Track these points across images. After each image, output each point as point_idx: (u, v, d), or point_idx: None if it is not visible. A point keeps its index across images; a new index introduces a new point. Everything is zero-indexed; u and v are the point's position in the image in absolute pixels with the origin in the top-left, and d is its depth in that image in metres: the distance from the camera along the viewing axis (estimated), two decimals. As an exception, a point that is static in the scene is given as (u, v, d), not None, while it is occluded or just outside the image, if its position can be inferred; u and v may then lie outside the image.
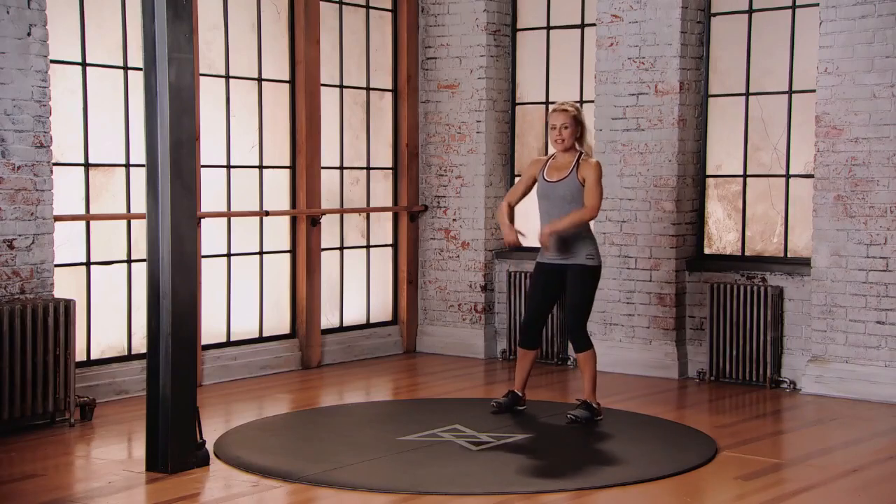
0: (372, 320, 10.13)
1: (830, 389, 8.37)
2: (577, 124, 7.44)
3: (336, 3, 9.74)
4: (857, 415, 7.82)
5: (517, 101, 10.17)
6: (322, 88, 9.46)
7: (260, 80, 9.12)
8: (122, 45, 8.11)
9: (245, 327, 9.09)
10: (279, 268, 9.33)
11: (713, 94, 9.19)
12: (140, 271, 8.06)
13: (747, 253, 9.04)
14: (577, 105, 7.54)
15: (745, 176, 9.05)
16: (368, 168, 10.05)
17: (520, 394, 7.71)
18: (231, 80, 8.91)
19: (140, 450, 6.53)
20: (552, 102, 9.91)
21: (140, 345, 8.14)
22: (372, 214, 10.09)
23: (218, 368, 8.75)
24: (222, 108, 8.87)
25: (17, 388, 7.02)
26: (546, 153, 10.02)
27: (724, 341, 8.84)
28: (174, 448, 6.18)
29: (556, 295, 7.63)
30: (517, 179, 7.77)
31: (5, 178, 7.21)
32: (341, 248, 9.85)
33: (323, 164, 9.51)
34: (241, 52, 9.00)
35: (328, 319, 9.70)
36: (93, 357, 8.00)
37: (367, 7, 9.99)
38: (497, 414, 7.57)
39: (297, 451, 6.72)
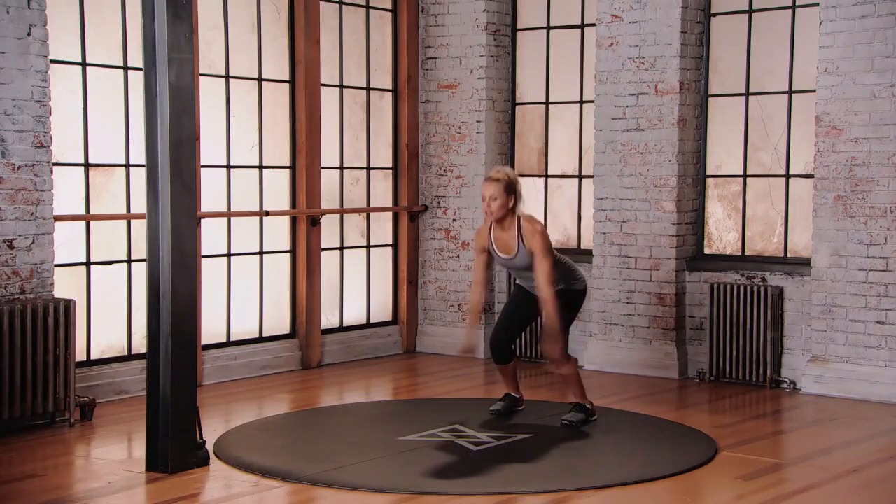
0: (372, 320, 10.13)
1: (830, 389, 8.37)
2: (509, 193, 7.08)
3: (336, 3, 9.74)
4: (857, 415, 7.82)
5: (517, 101, 10.17)
6: (322, 88, 9.46)
7: (260, 80, 9.12)
8: (122, 45, 8.11)
9: (245, 327, 9.09)
10: (279, 268, 9.33)
11: (713, 94, 9.19)
12: (140, 271, 8.06)
13: (747, 253, 9.04)
14: (510, 172, 7.16)
15: (745, 176, 9.05)
16: (368, 168, 10.05)
17: (516, 395, 7.68)
18: (231, 80, 8.91)
19: (140, 450, 6.53)
20: (552, 102, 9.94)
21: (140, 345, 8.14)
22: (372, 214, 10.09)
23: (218, 368, 8.75)
24: (222, 108, 8.87)
25: (17, 388, 7.02)
26: (546, 155, 10.03)
27: (724, 341, 8.84)
28: (174, 448, 6.18)
29: (529, 317, 7.54)
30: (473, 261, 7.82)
31: (5, 178, 7.21)
32: (341, 248, 9.85)
33: (323, 164, 9.51)
34: (241, 52, 9.00)
35: (328, 319, 9.70)
36: (93, 357, 8.00)
37: (367, 7, 10.00)
38: (496, 415, 7.56)
39: (297, 451, 6.72)
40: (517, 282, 7.55)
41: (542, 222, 7.85)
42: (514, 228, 7.15)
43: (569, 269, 7.36)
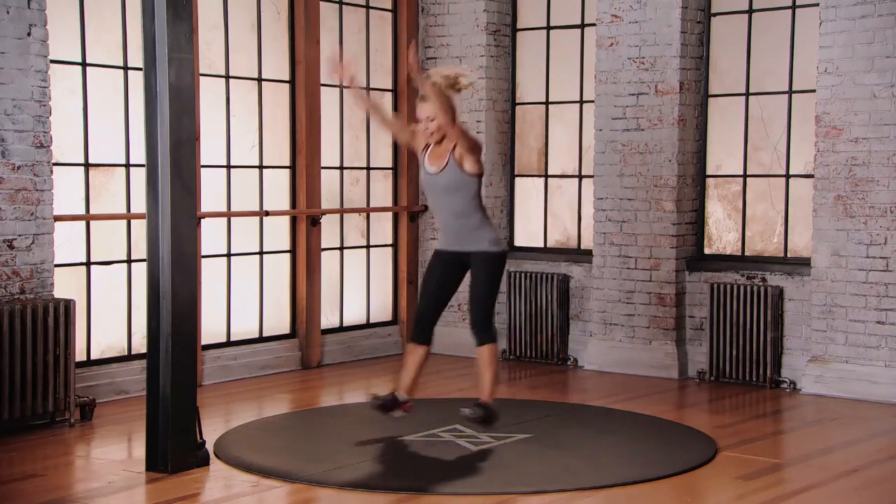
0: (372, 320, 10.12)
1: (830, 389, 8.37)
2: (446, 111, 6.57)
3: (336, 3, 9.74)
4: (857, 415, 7.82)
5: (517, 101, 10.17)
6: (322, 88, 9.46)
7: (260, 80, 9.12)
8: (122, 45, 8.11)
9: (245, 327, 9.09)
10: (279, 268, 9.33)
11: (713, 94, 9.19)
12: (140, 271, 8.05)
13: (747, 253, 9.04)
14: (440, 81, 6.57)
15: (745, 176, 9.05)
16: (368, 168, 10.05)
17: (401, 398, 6.84)
18: (231, 80, 8.91)
19: (140, 450, 6.52)
20: (552, 102, 9.94)
21: (140, 345, 8.14)
22: (372, 214, 10.09)
23: (218, 368, 8.75)
24: (222, 108, 8.87)
25: (17, 388, 7.02)
26: (546, 155, 10.03)
27: (724, 341, 8.84)
28: (174, 448, 6.18)
29: (453, 286, 6.87)
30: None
31: (5, 178, 7.21)
32: (341, 248, 9.85)
33: (323, 164, 9.50)
34: (241, 52, 8.99)
35: (328, 319, 9.70)
36: (93, 357, 8.00)
37: (367, 7, 9.99)
38: (376, 409, 6.82)
39: (297, 451, 6.71)
40: (437, 217, 6.91)
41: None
42: (451, 144, 6.62)
43: (493, 226, 6.84)
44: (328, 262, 9.69)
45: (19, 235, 7.29)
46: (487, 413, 6.66)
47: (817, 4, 8.49)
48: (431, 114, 6.59)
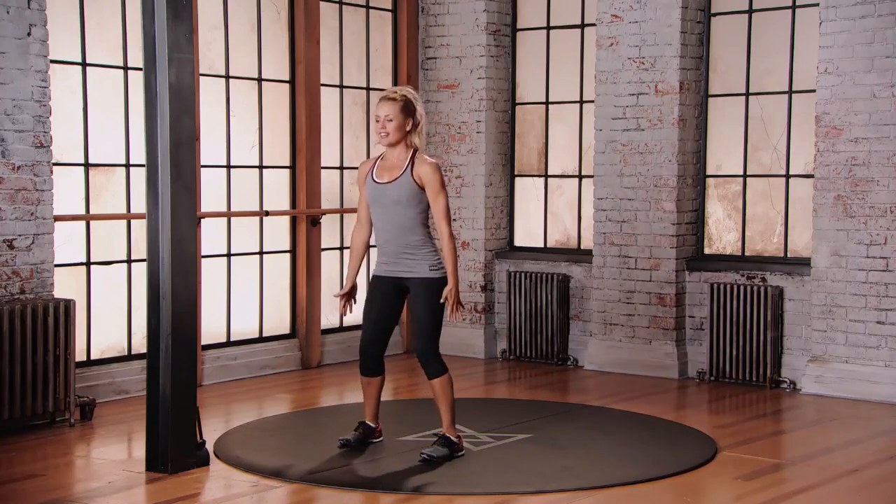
0: (372, 320, 10.11)
1: (830, 389, 8.37)
2: (406, 115, 6.43)
3: (336, 3, 9.74)
4: (857, 415, 7.82)
5: (517, 101, 10.17)
6: (322, 88, 9.46)
7: (260, 80, 9.12)
8: (122, 45, 8.11)
9: (245, 327, 9.09)
10: (279, 268, 9.33)
11: (713, 94, 9.19)
12: (140, 271, 8.05)
13: (747, 253, 9.04)
14: (410, 92, 6.50)
15: (745, 176, 9.05)
16: (368, 168, 10.04)
17: (372, 425, 6.75)
18: (231, 80, 8.91)
19: (140, 450, 6.53)
20: (552, 102, 9.94)
21: (140, 345, 8.14)
22: (372, 214, 10.08)
23: (218, 368, 8.75)
24: (222, 108, 8.87)
25: (17, 388, 7.02)
26: (546, 155, 10.03)
27: (724, 341, 8.84)
28: (174, 448, 6.18)
29: (394, 312, 6.58)
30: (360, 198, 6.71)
31: (5, 178, 7.21)
32: (341, 248, 9.84)
33: (323, 164, 9.50)
34: (241, 52, 9.00)
35: (328, 319, 9.70)
36: (93, 357, 8.00)
37: (367, 7, 9.99)
38: (344, 448, 6.65)
39: (297, 451, 6.71)
40: (377, 232, 6.55)
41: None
42: (406, 158, 6.44)
43: (435, 248, 6.49)
44: (328, 262, 9.69)
45: (19, 235, 7.29)
46: (450, 446, 6.46)
47: (817, 4, 8.49)
48: (391, 114, 6.40)
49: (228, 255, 8.95)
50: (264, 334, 9.22)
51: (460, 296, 6.60)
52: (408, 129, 6.45)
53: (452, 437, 6.49)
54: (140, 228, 8.06)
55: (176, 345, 6.19)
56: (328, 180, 9.64)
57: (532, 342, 9.72)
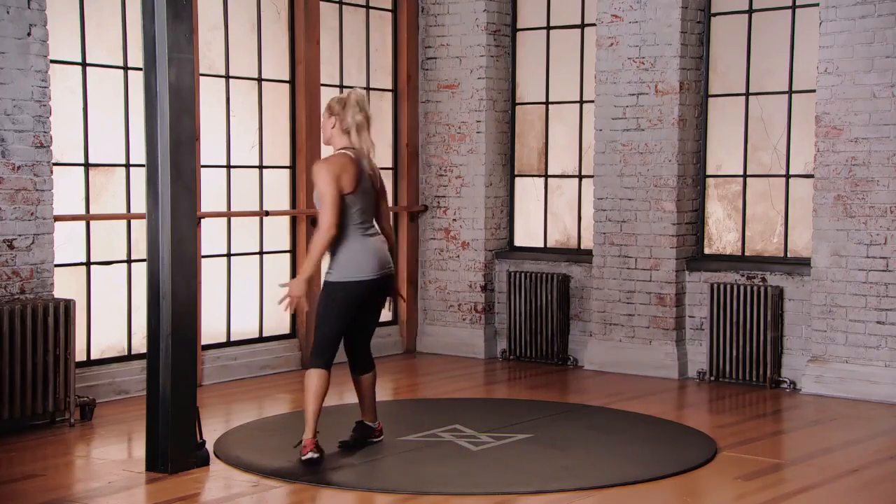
0: (372, 320, 10.11)
1: (830, 389, 8.37)
2: (330, 114, 6.42)
3: (336, 3, 9.74)
4: (857, 415, 7.82)
5: (517, 101, 10.16)
6: (322, 88, 9.46)
7: (260, 80, 9.12)
8: (122, 45, 8.11)
9: (245, 327, 9.09)
10: (279, 268, 9.33)
11: (713, 94, 9.18)
12: (140, 271, 8.05)
13: (747, 253, 9.04)
14: (342, 94, 6.48)
15: (745, 176, 9.04)
16: (368, 168, 10.04)
17: (371, 424, 6.79)
18: (231, 80, 8.91)
19: (140, 450, 6.52)
20: (552, 102, 9.94)
21: (140, 345, 8.14)
22: (372, 214, 10.08)
23: (218, 368, 8.75)
24: (222, 108, 8.87)
25: (17, 388, 7.02)
26: (546, 155, 10.03)
27: (724, 341, 8.83)
28: (174, 448, 6.18)
29: (373, 318, 6.78)
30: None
31: (5, 178, 7.21)
32: (341, 248, 9.84)
33: (323, 164, 9.50)
34: (241, 52, 8.99)
35: (328, 319, 9.68)
36: (93, 357, 8.00)
37: (367, 7, 9.99)
38: (355, 444, 6.70)
39: (297, 451, 6.70)
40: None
41: (341, 160, 6.36)
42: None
43: (352, 251, 6.58)
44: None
45: (19, 235, 7.29)
46: (299, 444, 6.40)
47: (817, 4, 8.48)
48: (327, 126, 6.46)
49: (228, 255, 8.95)
50: (264, 334, 9.22)
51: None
52: (332, 127, 6.46)
53: (304, 441, 6.40)
54: (140, 228, 8.05)
55: (176, 345, 6.19)
56: (328, 180, 9.63)
57: (532, 342, 9.72)
